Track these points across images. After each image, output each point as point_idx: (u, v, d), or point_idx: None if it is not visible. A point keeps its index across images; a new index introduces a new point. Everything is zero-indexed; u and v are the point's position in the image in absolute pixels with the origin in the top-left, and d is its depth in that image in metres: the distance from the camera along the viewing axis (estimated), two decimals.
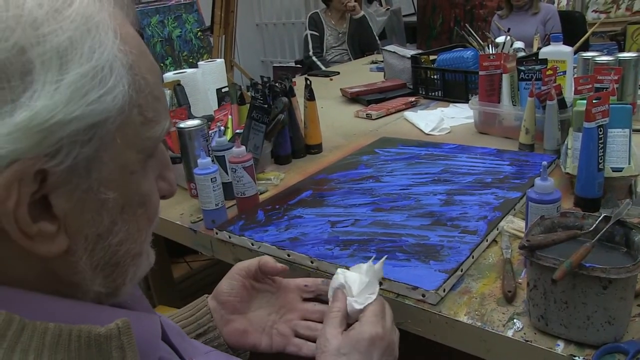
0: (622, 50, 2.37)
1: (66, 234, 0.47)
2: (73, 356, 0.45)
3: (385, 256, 0.89)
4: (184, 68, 2.43)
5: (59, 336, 0.45)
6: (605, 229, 0.81)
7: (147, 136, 0.51)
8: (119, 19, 0.50)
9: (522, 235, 1.00)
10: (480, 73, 1.78)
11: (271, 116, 1.57)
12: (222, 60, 2.29)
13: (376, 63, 3.41)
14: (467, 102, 1.90)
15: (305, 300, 0.92)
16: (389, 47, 2.70)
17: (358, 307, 0.80)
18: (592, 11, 4.36)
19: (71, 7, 0.44)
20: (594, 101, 1.10)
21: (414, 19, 5.30)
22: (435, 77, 2.34)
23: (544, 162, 0.99)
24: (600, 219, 0.83)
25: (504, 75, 1.72)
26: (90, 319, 0.49)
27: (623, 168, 1.19)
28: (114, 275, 0.52)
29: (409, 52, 2.58)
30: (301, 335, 0.89)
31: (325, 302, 0.88)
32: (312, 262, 1.08)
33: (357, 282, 0.82)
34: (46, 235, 0.45)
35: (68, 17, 0.44)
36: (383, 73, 2.79)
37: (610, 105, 1.13)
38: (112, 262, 0.51)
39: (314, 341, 0.83)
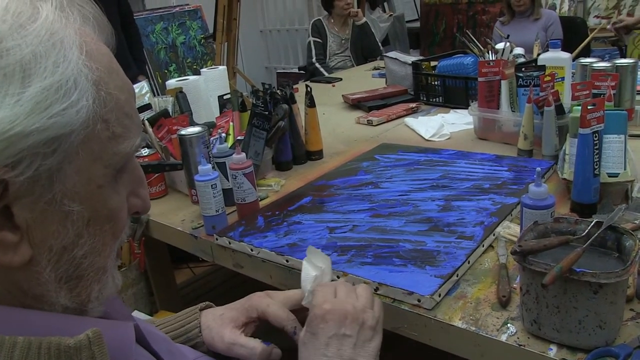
0: (623, 55, 2.39)
1: (29, 244, 0.48)
2: None
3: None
4: (188, 74, 2.45)
5: (27, 349, 0.45)
6: (596, 234, 0.82)
7: (115, 151, 0.52)
8: (86, 36, 0.51)
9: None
10: (480, 79, 1.79)
11: (272, 123, 1.59)
12: (225, 67, 2.31)
13: (378, 69, 3.42)
14: (468, 108, 1.91)
15: None
16: (390, 54, 2.72)
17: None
18: (594, 17, 4.37)
19: (35, 23, 0.46)
20: (589, 107, 1.11)
21: (417, 24, 5.33)
22: (436, 83, 2.35)
23: (538, 168, 1.00)
24: (592, 224, 0.84)
25: (502, 81, 1.73)
26: (60, 330, 0.49)
27: (619, 173, 1.20)
28: (78, 290, 0.53)
29: (410, 58, 2.59)
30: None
31: None
32: None
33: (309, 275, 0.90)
34: (8, 244, 0.46)
35: (32, 32, 0.45)
36: (385, 79, 2.80)
37: (606, 112, 1.14)
38: (76, 275, 0.52)
39: None
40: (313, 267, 0.91)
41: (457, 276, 1.00)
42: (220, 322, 0.87)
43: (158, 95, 2.48)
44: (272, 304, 0.88)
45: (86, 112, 0.48)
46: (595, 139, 1.13)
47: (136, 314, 1.43)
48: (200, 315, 0.90)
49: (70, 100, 0.46)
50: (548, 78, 1.55)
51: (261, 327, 0.90)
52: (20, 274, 0.49)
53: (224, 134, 1.71)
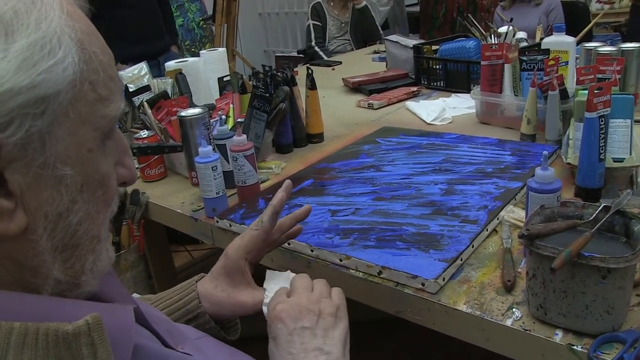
0: (625, 41, 2.36)
1: (24, 211, 0.47)
2: (41, 355, 0.44)
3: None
4: (187, 57, 2.45)
5: (25, 335, 0.44)
6: (605, 218, 0.81)
7: (102, 114, 0.51)
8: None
9: (523, 224, 1.00)
10: (482, 63, 1.78)
11: (272, 105, 1.57)
12: (224, 49, 2.28)
13: (378, 53, 3.40)
14: (469, 92, 1.90)
15: None
16: (391, 37, 2.69)
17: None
18: (596, 2, 4.34)
19: None
20: (595, 91, 1.10)
21: (416, 9, 5.27)
22: (437, 67, 2.33)
23: (545, 152, 0.98)
24: (600, 208, 0.83)
25: (506, 65, 1.72)
26: (58, 315, 0.47)
27: (624, 158, 1.19)
28: (73, 260, 0.52)
29: (412, 42, 2.57)
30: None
31: None
32: (312, 251, 1.08)
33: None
34: (3, 212, 0.46)
35: None
36: (385, 63, 2.78)
37: (612, 96, 1.13)
38: (72, 244, 0.51)
39: None
40: (271, 287, 0.88)
41: (461, 260, 0.99)
42: (226, 296, 0.87)
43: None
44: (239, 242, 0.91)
45: (73, 71, 0.47)
46: (602, 123, 1.11)
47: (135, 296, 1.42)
48: (197, 286, 0.89)
49: (56, 57, 0.46)
50: (552, 62, 1.53)
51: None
52: (16, 245, 0.48)
53: (224, 116, 1.69)
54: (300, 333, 0.73)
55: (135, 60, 2.44)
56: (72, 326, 0.45)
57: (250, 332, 0.95)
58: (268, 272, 0.91)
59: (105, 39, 0.54)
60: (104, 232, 0.55)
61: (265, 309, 0.83)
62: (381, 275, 0.97)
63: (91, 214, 0.52)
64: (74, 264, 0.52)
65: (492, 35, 2.23)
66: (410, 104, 2.09)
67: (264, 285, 0.89)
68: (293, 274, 0.87)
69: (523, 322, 0.83)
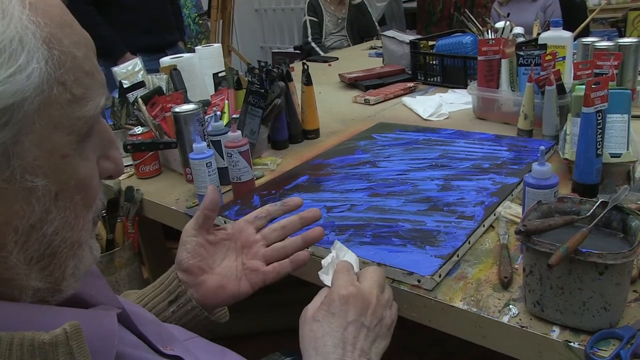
0: (622, 37, 2.35)
1: None
2: None
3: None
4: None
5: None
6: (602, 214, 0.81)
7: (78, 116, 0.47)
8: None
9: (519, 220, 1.00)
10: (479, 58, 1.77)
11: (268, 101, 1.56)
12: (219, 44, 2.27)
13: (375, 49, 3.39)
14: (466, 88, 1.89)
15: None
16: (388, 33, 2.69)
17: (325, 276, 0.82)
18: None
19: None
20: (593, 86, 1.09)
21: (413, 4, 5.25)
22: (434, 62, 2.32)
23: (542, 147, 0.98)
24: (597, 204, 0.82)
25: (503, 60, 1.71)
26: (35, 323, 0.45)
27: (621, 154, 1.18)
28: (51, 268, 0.49)
29: (408, 37, 2.56)
30: (271, 259, 0.89)
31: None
32: (307, 247, 1.07)
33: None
34: None
35: None
36: (382, 59, 2.77)
37: (610, 91, 1.12)
38: (48, 253, 0.48)
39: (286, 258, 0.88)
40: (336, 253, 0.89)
41: (458, 256, 0.98)
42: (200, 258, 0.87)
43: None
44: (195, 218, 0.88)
45: (39, 76, 0.43)
46: (599, 118, 1.10)
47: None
48: (176, 271, 0.88)
49: (17, 63, 0.42)
50: (549, 57, 1.52)
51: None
52: None
53: (219, 112, 1.67)
54: (359, 328, 0.72)
55: (143, 52, 2.43)
56: (49, 335, 0.43)
57: (242, 330, 0.94)
58: (337, 242, 0.91)
59: (114, 27, 0.51)
60: (85, 234, 0.52)
61: (324, 277, 0.82)
62: None
63: (68, 221, 0.49)
64: (52, 271, 0.49)
65: (489, 31, 2.22)
66: (406, 99, 2.08)
67: (332, 250, 0.89)
68: (355, 256, 0.88)
69: (520, 319, 0.82)
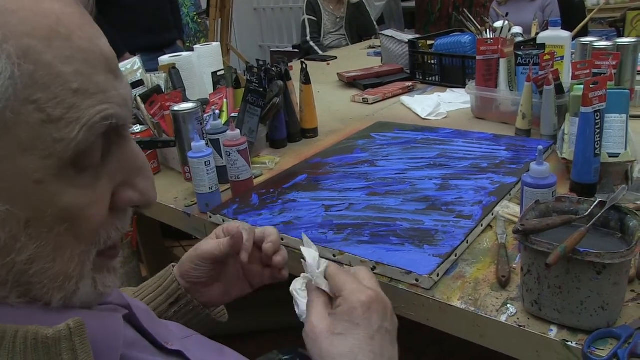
0: (621, 37, 2.36)
1: None
2: (18, 359, 0.41)
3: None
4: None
5: (2, 338, 0.41)
6: (600, 214, 0.81)
7: (56, 138, 0.42)
8: None
9: (517, 220, 1.00)
10: (478, 58, 1.77)
11: (266, 100, 1.56)
12: (218, 43, 2.27)
13: (374, 48, 3.39)
14: (465, 87, 1.89)
15: None
16: (386, 32, 2.69)
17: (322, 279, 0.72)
18: None
19: None
20: (591, 86, 1.09)
21: (412, 4, 5.26)
22: (432, 62, 2.32)
23: (540, 147, 0.98)
24: (595, 204, 0.82)
25: (501, 60, 1.71)
26: (39, 320, 0.44)
27: (620, 154, 1.18)
28: (33, 294, 0.46)
29: (407, 36, 2.56)
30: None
31: None
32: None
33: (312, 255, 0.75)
34: None
35: None
36: (380, 58, 2.77)
37: (608, 90, 1.12)
38: (23, 281, 0.45)
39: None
40: (313, 250, 0.83)
41: (456, 256, 0.98)
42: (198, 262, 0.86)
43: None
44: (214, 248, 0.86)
45: (1, 94, 0.39)
46: (597, 118, 1.11)
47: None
48: (173, 269, 0.89)
49: None
50: (547, 57, 1.52)
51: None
52: None
53: (217, 111, 1.67)
54: (384, 335, 0.64)
55: (142, 51, 2.43)
56: (52, 330, 0.43)
57: (241, 328, 0.94)
58: (304, 235, 0.81)
59: (114, 27, 0.48)
60: (79, 267, 0.48)
61: (319, 274, 0.71)
62: (375, 271, 0.97)
63: (46, 253, 0.45)
64: (36, 296, 0.46)
65: (488, 30, 2.22)
66: (405, 99, 2.08)
67: (302, 250, 0.77)
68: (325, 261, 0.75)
69: (517, 318, 0.82)
